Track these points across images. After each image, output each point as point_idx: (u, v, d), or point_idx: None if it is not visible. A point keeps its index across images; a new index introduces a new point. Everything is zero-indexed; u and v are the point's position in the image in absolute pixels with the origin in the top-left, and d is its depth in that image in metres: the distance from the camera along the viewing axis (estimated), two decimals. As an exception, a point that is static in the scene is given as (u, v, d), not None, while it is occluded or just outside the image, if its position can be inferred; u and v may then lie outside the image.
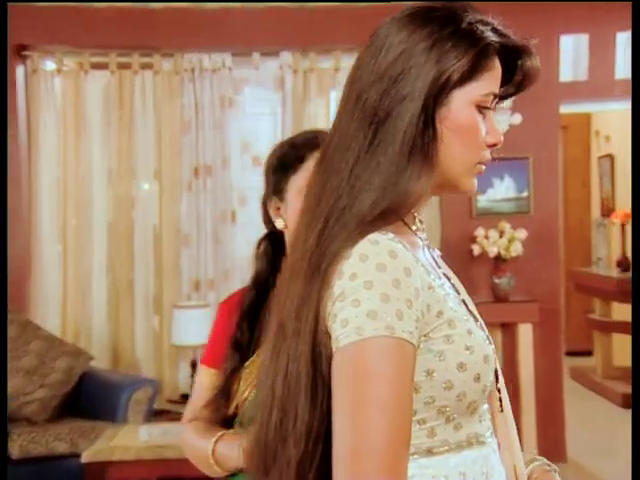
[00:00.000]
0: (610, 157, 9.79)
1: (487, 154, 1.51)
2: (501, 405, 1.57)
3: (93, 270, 6.53)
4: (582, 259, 10.13)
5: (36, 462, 5.40)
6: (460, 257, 6.53)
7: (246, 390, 2.10)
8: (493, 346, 1.50)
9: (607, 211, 9.66)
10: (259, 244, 2.26)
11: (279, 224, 2.17)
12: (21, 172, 6.46)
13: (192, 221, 6.45)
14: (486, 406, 1.50)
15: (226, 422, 2.19)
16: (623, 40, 6.57)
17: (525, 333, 6.36)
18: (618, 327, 8.30)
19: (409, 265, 1.37)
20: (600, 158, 10.17)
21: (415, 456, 1.40)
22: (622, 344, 7.92)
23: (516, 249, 6.33)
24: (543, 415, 6.36)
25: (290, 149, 2.19)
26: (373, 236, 1.38)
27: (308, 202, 1.50)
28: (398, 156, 1.43)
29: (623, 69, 6.54)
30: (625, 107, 6.60)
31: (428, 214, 6.58)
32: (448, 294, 1.45)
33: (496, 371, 1.54)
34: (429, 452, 1.42)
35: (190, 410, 2.27)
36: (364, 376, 1.33)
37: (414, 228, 1.53)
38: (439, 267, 1.55)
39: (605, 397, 8.32)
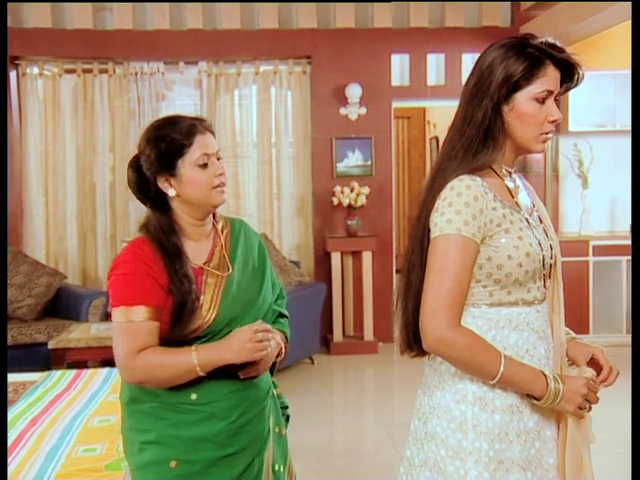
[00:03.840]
0: (436, 138, 9.75)
1: (549, 127, 1.62)
2: (544, 284, 1.69)
3: (67, 217, 6.55)
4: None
5: (23, 347, 5.45)
6: (324, 206, 6.70)
7: (210, 312, 1.90)
8: (542, 249, 1.64)
9: (435, 177, 9.82)
10: (152, 210, 1.96)
11: (172, 192, 1.93)
12: (14, 148, 6.44)
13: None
14: (536, 283, 1.65)
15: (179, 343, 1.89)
16: (432, 59, 6.72)
17: (367, 258, 6.47)
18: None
19: (477, 194, 1.57)
20: (430, 139, 10.15)
21: (481, 307, 1.64)
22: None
23: (362, 200, 6.46)
24: (378, 312, 6.54)
25: (178, 135, 1.90)
26: (461, 176, 1.59)
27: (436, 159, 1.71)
28: (477, 138, 1.61)
29: (433, 78, 6.74)
30: (441, 104, 6.92)
31: (304, 176, 6.79)
32: (508, 214, 1.61)
33: (554, 262, 1.71)
34: (489, 305, 1.63)
35: (133, 344, 1.85)
36: (441, 255, 1.57)
37: (503, 173, 1.68)
38: (513, 198, 1.68)
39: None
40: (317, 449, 4.32)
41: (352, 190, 6.52)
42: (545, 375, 1.58)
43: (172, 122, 1.95)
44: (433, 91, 6.74)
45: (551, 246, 1.70)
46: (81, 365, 4.42)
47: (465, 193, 1.57)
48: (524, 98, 1.59)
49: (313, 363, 6.18)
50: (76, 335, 4.69)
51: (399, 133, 10.32)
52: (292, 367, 5.93)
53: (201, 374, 1.84)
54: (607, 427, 4.14)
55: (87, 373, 3.69)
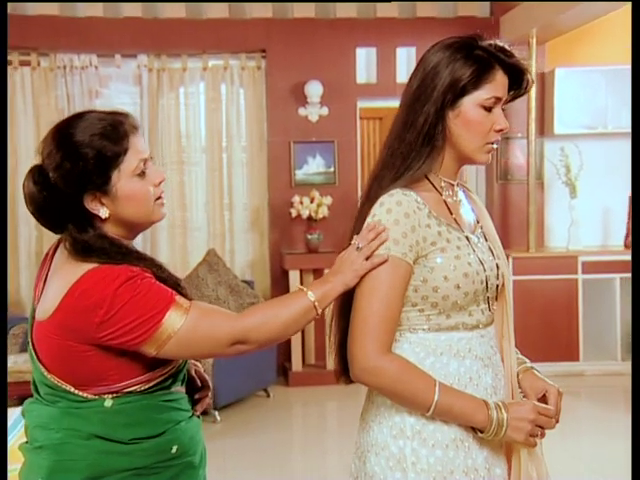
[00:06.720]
0: (410, 142, 9.81)
1: (495, 136, 1.69)
2: (489, 307, 1.74)
3: (-17, 231, 6.40)
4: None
5: None
6: (282, 218, 6.65)
7: None
8: (486, 270, 1.68)
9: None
10: (102, 237, 1.76)
11: (104, 213, 1.76)
12: None
13: (66, 191, 6.30)
14: (480, 306, 1.70)
15: None
16: (402, 53, 6.70)
17: (331, 277, 6.43)
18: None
19: (409, 211, 1.62)
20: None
21: (418, 332, 1.67)
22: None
23: (323, 212, 6.43)
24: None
25: (107, 141, 1.72)
26: (392, 191, 1.65)
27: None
28: (416, 145, 1.66)
29: (403, 75, 6.66)
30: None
31: (259, 185, 6.69)
32: (444, 232, 1.67)
33: (502, 283, 1.77)
34: (426, 330, 1.67)
35: (224, 313, 1.78)
36: (370, 277, 1.63)
37: (442, 186, 1.72)
38: (452, 214, 1.72)
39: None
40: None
41: (313, 200, 6.50)
42: (487, 404, 1.61)
43: (92, 123, 1.74)
44: (403, 89, 6.61)
45: (498, 266, 1.75)
46: (-8, 403, 4.25)
47: (395, 209, 1.62)
48: (470, 104, 1.65)
49: (269, 396, 6.11)
50: (-13, 368, 4.51)
51: (369, 136, 10.25)
52: (244, 401, 5.85)
53: (319, 312, 1.76)
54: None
55: (-4, 413, 3.50)
